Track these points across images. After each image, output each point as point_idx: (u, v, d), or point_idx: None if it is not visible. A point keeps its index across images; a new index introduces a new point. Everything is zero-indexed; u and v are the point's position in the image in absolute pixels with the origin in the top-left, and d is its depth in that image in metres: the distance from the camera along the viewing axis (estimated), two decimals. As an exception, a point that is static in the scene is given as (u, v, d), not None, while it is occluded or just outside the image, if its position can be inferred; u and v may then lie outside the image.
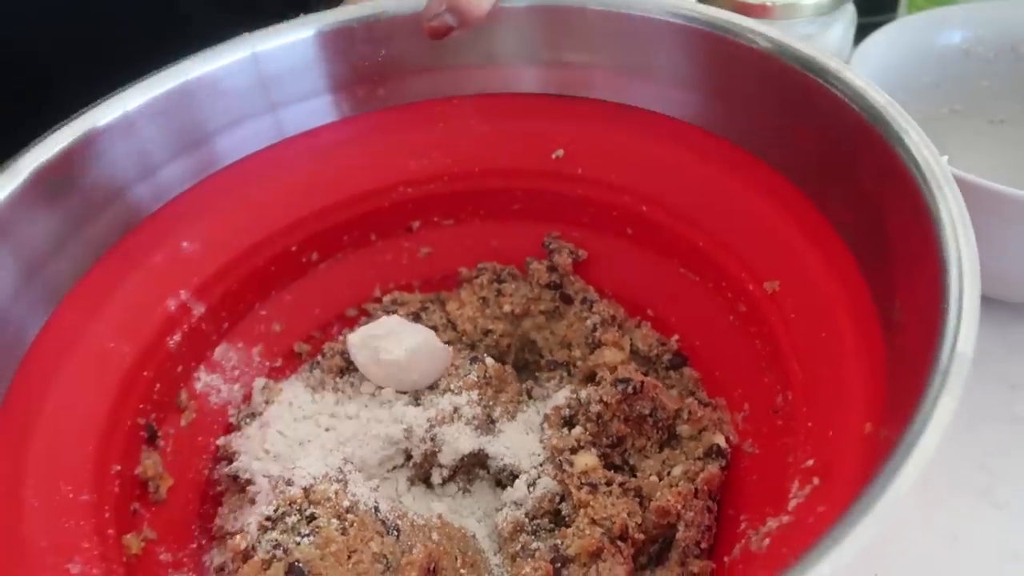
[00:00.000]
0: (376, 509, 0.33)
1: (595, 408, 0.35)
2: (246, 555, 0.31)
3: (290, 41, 0.37)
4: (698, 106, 0.37)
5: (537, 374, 0.41)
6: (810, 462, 0.28)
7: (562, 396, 0.37)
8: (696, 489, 0.32)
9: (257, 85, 0.37)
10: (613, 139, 0.39)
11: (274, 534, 0.31)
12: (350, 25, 0.38)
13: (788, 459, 0.30)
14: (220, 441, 0.37)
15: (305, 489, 0.33)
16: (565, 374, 0.39)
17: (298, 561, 0.30)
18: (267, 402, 0.38)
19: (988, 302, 0.43)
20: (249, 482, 0.35)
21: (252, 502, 0.34)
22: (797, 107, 0.33)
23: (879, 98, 0.29)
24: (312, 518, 0.32)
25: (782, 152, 0.34)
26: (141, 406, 0.35)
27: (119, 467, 0.33)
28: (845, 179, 0.31)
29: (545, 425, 0.36)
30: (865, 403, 0.27)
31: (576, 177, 0.40)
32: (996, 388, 0.41)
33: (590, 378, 0.38)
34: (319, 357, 0.40)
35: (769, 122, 0.34)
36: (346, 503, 0.33)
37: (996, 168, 0.44)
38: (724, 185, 0.36)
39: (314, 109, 0.39)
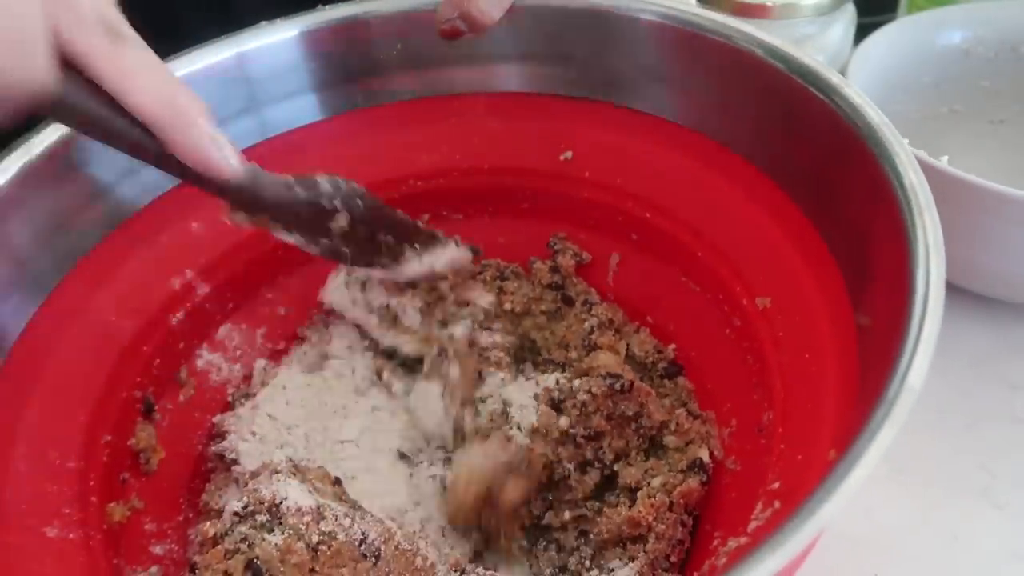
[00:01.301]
0: (361, 542, 0.32)
1: (582, 396, 0.34)
2: (215, 541, 0.32)
3: (305, 32, 0.38)
4: (705, 114, 0.37)
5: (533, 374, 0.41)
6: (776, 484, 0.28)
7: (553, 379, 0.36)
8: (671, 502, 0.32)
9: (276, 74, 0.38)
10: (620, 143, 0.39)
11: (243, 527, 0.31)
12: (367, 19, 0.38)
13: (763, 480, 0.30)
14: (216, 419, 0.38)
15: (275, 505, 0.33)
16: (560, 374, 0.39)
17: (257, 558, 0.30)
18: (263, 384, 0.38)
19: (988, 302, 0.44)
20: (235, 462, 0.35)
21: (236, 482, 0.35)
22: (797, 120, 0.32)
23: (875, 116, 0.29)
24: (281, 520, 0.32)
25: (782, 166, 0.34)
26: (139, 380, 0.36)
27: (110, 437, 0.34)
28: (837, 198, 0.31)
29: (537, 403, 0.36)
30: (835, 428, 0.27)
31: (583, 180, 0.40)
32: (996, 388, 0.41)
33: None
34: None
35: (772, 135, 0.34)
36: (316, 537, 0.32)
37: (996, 168, 0.44)
38: (726, 196, 0.36)
39: (330, 99, 0.40)
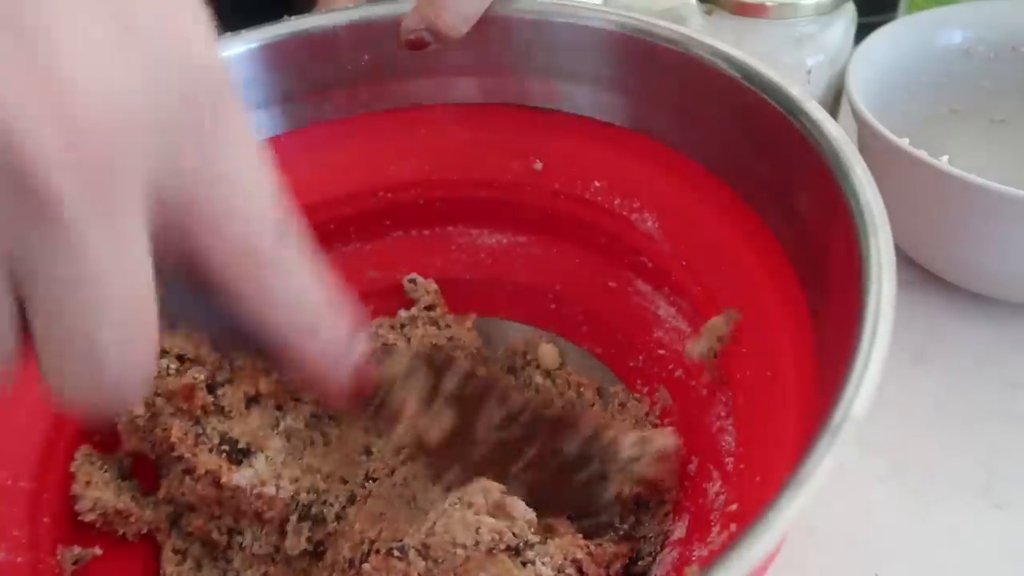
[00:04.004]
0: None
1: None
2: None
3: (269, 43, 0.37)
4: (671, 127, 0.36)
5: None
6: (734, 507, 0.28)
7: None
8: None
9: (239, 86, 0.37)
10: (590, 155, 0.38)
11: None
12: (334, 30, 0.38)
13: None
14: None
15: None
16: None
17: None
18: None
19: (988, 301, 0.44)
20: None
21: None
22: (760, 134, 0.32)
23: (834, 131, 0.28)
24: None
25: (748, 180, 0.33)
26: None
27: (66, 457, 0.33)
28: (798, 214, 0.30)
29: None
30: (793, 450, 0.25)
31: (554, 191, 0.39)
32: (996, 387, 0.41)
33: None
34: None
35: (737, 149, 0.33)
36: None
37: (996, 168, 0.44)
38: (694, 210, 0.35)
39: (295, 111, 0.39)
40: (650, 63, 0.35)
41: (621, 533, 0.33)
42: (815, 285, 0.29)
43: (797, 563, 0.34)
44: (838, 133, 0.28)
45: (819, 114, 0.29)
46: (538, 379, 0.40)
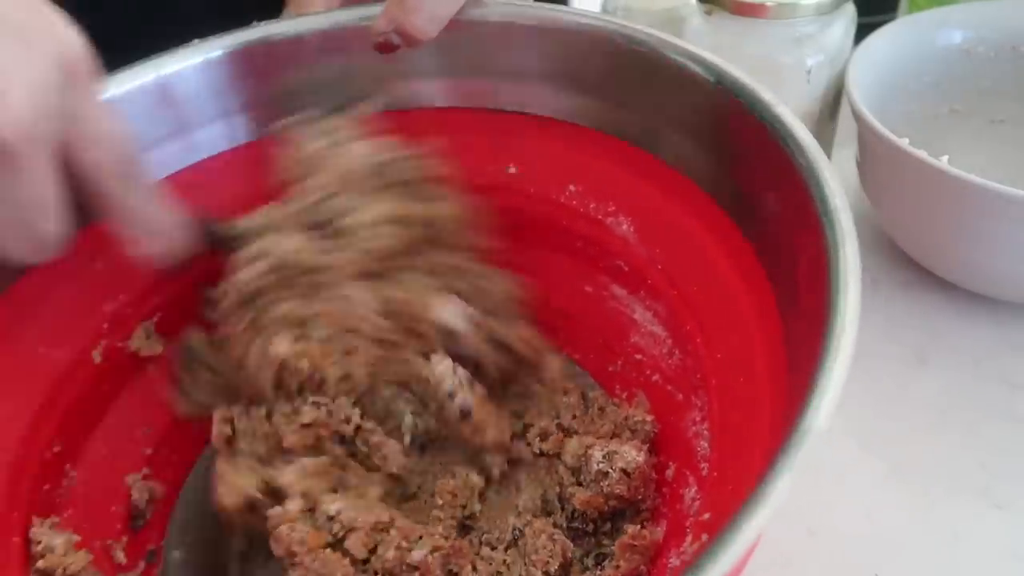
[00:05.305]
0: None
1: None
2: None
3: (236, 50, 0.37)
4: (645, 129, 0.36)
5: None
6: (706, 516, 0.27)
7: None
8: None
9: (206, 94, 0.38)
10: (564, 159, 0.38)
11: None
12: (303, 36, 0.38)
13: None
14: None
15: None
16: None
17: None
18: None
19: (988, 302, 0.44)
20: None
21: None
22: (733, 139, 0.32)
23: (805, 137, 0.28)
24: None
25: (722, 185, 0.33)
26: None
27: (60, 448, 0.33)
28: (770, 220, 0.30)
29: None
30: (762, 460, 0.25)
31: (528, 194, 0.39)
32: (996, 388, 0.41)
33: None
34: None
35: (710, 153, 0.33)
36: None
37: (996, 168, 0.44)
38: (668, 213, 0.35)
39: (268, 117, 0.38)
40: (623, 66, 0.35)
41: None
42: (785, 291, 0.28)
43: (797, 563, 0.34)
44: (809, 140, 0.28)
45: (790, 119, 0.29)
46: None
